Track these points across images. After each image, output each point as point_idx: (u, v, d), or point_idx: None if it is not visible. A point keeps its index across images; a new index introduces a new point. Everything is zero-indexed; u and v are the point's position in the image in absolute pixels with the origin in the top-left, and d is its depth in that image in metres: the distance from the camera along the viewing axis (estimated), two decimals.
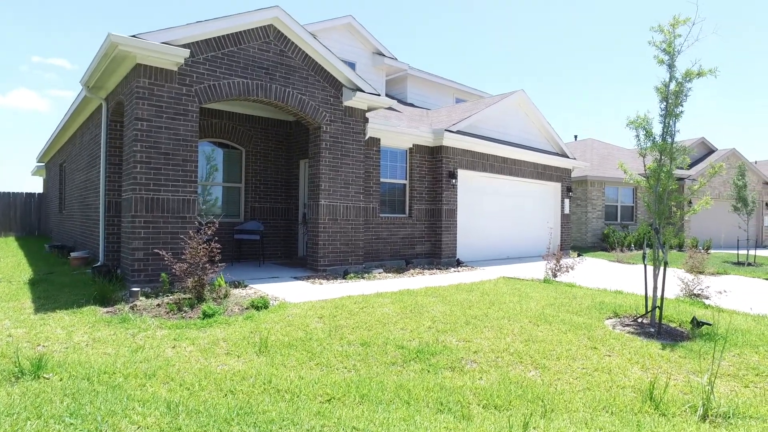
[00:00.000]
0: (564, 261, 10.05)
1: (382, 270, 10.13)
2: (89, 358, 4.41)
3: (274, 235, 11.60)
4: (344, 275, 9.18)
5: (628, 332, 5.70)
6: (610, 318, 6.46)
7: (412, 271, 10.48)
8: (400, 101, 15.90)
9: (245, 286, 7.70)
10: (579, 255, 16.38)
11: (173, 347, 4.79)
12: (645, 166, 6.52)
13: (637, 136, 6.54)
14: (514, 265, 12.58)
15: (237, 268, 9.80)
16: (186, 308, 6.10)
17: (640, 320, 6.15)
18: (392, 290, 7.84)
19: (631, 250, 18.58)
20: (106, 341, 4.90)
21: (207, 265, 6.45)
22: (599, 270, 12.29)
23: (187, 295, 6.55)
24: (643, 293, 8.11)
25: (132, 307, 6.16)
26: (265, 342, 4.86)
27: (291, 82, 9.12)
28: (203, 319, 5.68)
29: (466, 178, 12.90)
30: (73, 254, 9.78)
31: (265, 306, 6.26)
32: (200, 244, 6.51)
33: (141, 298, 6.61)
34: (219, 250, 6.71)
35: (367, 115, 10.48)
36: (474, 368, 4.52)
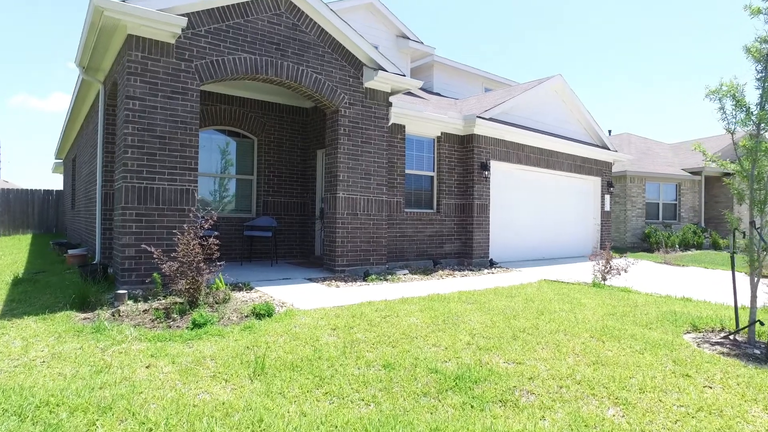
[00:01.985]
0: (615, 262, 8.81)
1: (407, 271, 9.05)
2: (37, 382, 3.45)
3: (289, 232, 10.64)
4: (365, 277, 8.13)
5: (722, 353, 4.50)
6: (688, 333, 5.25)
7: (440, 272, 9.37)
8: (425, 90, 14.80)
9: (250, 289, 6.72)
10: (621, 256, 14.99)
11: (147, 366, 3.81)
12: (736, 145, 5.25)
13: (722, 108, 5.27)
14: (552, 267, 11.35)
15: (246, 268, 8.86)
16: (175, 315, 5.13)
17: (732, 337, 4.92)
18: (420, 295, 6.76)
19: (676, 251, 17.07)
20: (67, 357, 3.95)
21: (202, 264, 5.48)
22: (649, 273, 10.96)
23: (180, 300, 5.59)
24: (719, 302, 6.87)
25: (114, 313, 5.23)
26: (262, 362, 3.84)
27: (305, 59, 8.12)
28: (192, 329, 4.70)
29: (498, 171, 11.72)
30: (70, 251, 9.00)
31: (269, 313, 5.25)
32: (194, 239, 5.55)
33: (127, 302, 5.68)
34: (218, 246, 5.73)
35: (391, 99, 9.42)
36: (532, 402, 3.41)
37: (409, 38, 13.22)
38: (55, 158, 21.87)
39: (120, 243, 6.45)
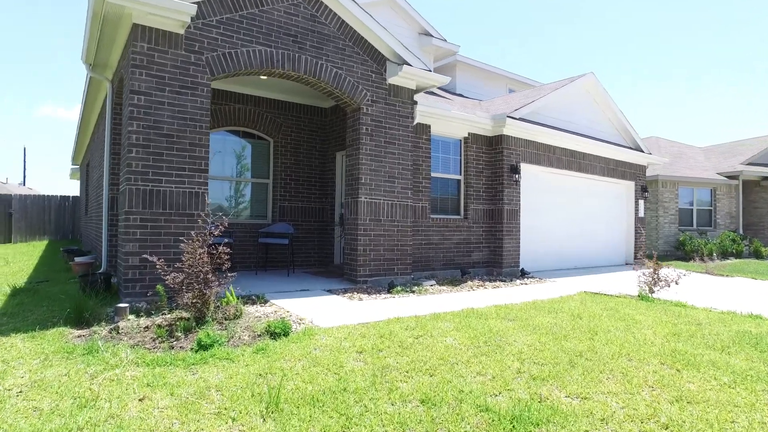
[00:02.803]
0: (663, 272, 8.01)
1: (434, 282, 8.36)
2: (5, 420, 2.86)
3: (306, 240, 10.03)
4: (389, 288, 7.46)
5: None
6: None
7: (470, 283, 8.65)
8: (448, 91, 14.15)
9: (265, 302, 6.10)
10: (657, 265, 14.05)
11: (141, 399, 3.20)
12: None
13: None
14: (588, 277, 10.55)
15: (262, 278, 8.26)
16: (179, 334, 4.53)
17: None
18: (453, 310, 6.07)
19: (714, 260, 16.07)
20: (49, 386, 3.35)
21: (210, 275, 4.88)
22: (694, 284, 10.09)
23: (186, 315, 4.99)
24: None
25: (112, 330, 4.65)
26: (277, 395, 3.20)
27: (324, 53, 7.54)
28: (197, 351, 4.09)
29: (528, 174, 10.98)
30: (77, 259, 8.50)
31: (285, 332, 4.61)
32: (202, 247, 4.95)
33: (129, 318, 5.10)
34: (229, 255, 5.13)
35: (416, 97, 8.79)
36: None
37: (432, 36, 12.59)
38: (72, 164, 21.72)
39: (123, 251, 5.90)
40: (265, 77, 8.47)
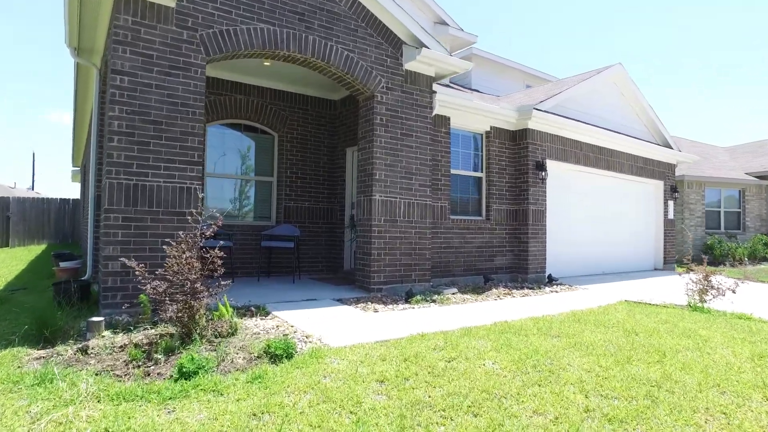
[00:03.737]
0: (715, 279, 7.10)
1: (455, 289, 7.50)
2: None
3: (314, 243, 9.20)
4: (407, 297, 6.61)
5: None
6: None
7: (494, 290, 7.79)
8: (463, 86, 13.30)
9: (266, 314, 5.27)
10: (689, 270, 13.09)
11: None
12: None
13: None
14: (619, 283, 9.63)
15: (264, 285, 7.45)
16: (159, 355, 3.71)
17: None
18: (483, 323, 5.21)
19: (745, 265, 15.10)
20: None
21: (199, 284, 4.06)
22: (742, 292, 9.12)
23: (172, 330, 4.18)
24: None
25: (80, 351, 3.84)
26: None
27: (334, 33, 6.74)
28: (178, 380, 3.26)
29: (553, 172, 10.10)
30: (62, 264, 7.72)
31: (288, 354, 3.78)
32: (189, 251, 4.14)
33: (104, 334, 4.29)
34: (223, 260, 4.31)
35: (435, 86, 7.96)
36: None
37: (448, 25, 11.76)
38: (72, 165, 21.11)
39: (103, 255, 5.09)
40: (268, 63, 7.69)
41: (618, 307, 6.63)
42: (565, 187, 10.56)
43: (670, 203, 13.59)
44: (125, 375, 3.39)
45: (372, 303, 6.21)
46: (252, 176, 8.88)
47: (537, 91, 12.16)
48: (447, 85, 10.12)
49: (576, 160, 10.57)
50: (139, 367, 3.52)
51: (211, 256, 4.27)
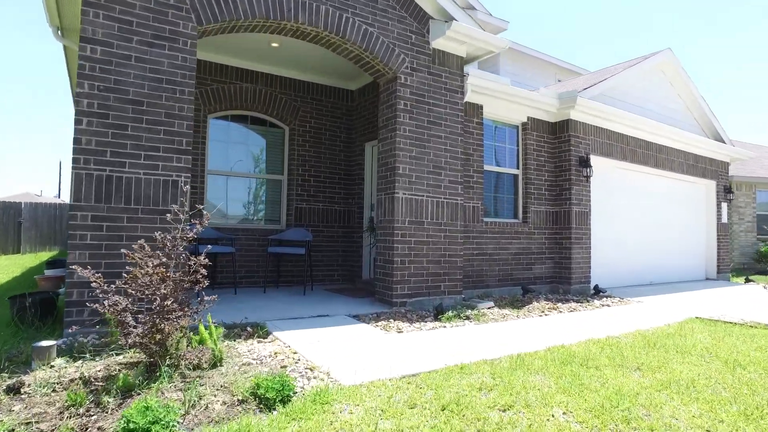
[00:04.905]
0: None
1: (491, 303, 6.41)
2: None
3: (328, 249, 8.22)
4: (436, 314, 5.55)
5: None
6: None
7: (536, 304, 6.68)
8: None
9: (265, 335, 4.28)
10: (747, 280, 11.75)
11: None
12: None
13: None
14: (675, 295, 8.42)
15: (270, 296, 6.49)
16: (110, 397, 2.75)
17: None
18: (535, 348, 4.14)
19: None
20: None
21: (170, 301, 3.10)
22: None
23: (136, 357, 3.23)
24: None
25: (9, 389, 2.90)
26: None
27: (350, 4, 5.79)
28: None
29: (596, 170, 8.94)
30: (46, 272, 6.91)
31: (284, 397, 2.78)
32: (161, 258, 3.19)
33: (54, 362, 3.36)
34: (206, 268, 3.36)
35: (466, 69, 6.95)
36: None
37: (476, 9, 10.75)
38: None
39: (68, 262, 4.19)
40: (276, 44, 6.79)
41: (693, 327, 5.47)
42: (609, 187, 9.39)
43: (724, 205, 12.26)
44: (53, 431, 2.43)
45: (395, 320, 5.18)
46: (260, 174, 7.96)
47: (576, 82, 11.04)
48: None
49: (622, 156, 9.40)
50: (77, 416, 2.56)
51: (195, 263, 3.33)
